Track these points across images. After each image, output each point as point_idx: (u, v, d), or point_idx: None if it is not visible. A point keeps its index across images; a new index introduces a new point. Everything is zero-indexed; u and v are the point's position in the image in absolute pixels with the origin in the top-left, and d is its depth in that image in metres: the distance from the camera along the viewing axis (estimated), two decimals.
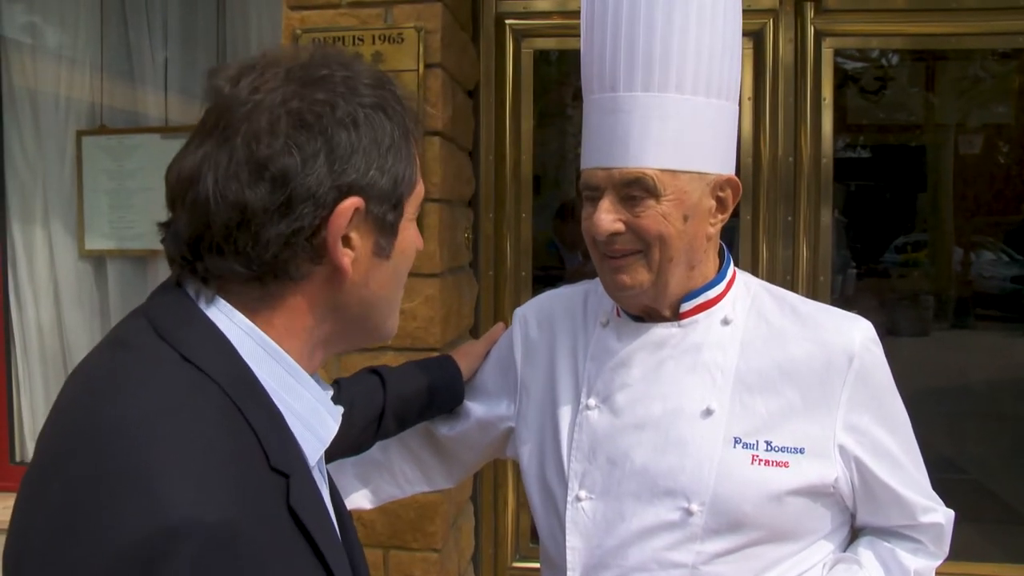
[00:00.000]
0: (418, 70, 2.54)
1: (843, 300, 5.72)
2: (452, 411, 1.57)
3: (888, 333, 6.30)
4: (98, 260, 3.47)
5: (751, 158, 3.01)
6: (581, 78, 1.36)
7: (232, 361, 0.84)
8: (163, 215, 0.90)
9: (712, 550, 1.25)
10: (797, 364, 1.29)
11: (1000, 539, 3.59)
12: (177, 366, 0.80)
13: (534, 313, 1.54)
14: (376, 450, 1.55)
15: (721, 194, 1.31)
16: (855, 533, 1.41)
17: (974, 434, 5.13)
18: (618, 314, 1.39)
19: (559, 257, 4.29)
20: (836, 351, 1.28)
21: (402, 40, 2.54)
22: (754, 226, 3.04)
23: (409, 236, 0.96)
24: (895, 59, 5.90)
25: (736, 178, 1.32)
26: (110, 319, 3.44)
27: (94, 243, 3.39)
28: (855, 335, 1.29)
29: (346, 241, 0.87)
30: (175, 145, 0.88)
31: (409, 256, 0.97)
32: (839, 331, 1.30)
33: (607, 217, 1.26)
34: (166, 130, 3.32)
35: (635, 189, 1.24)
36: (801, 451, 1.26)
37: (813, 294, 2.98)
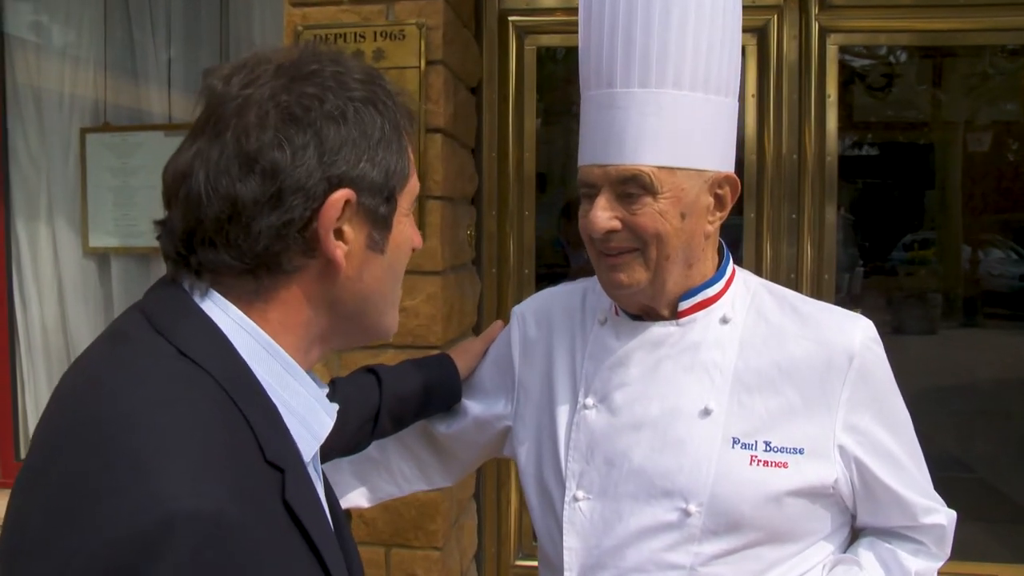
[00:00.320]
0: (419, 67, 2.53)
1: (850, 298, 5.70)
2: (450, 409, 1.57)
3: (895, 331, 6.27)
4: (102, 257, 3.48)
5: (755, 155, 2.99)
6: (579, 74, 1.35)
7: (228, 356, 0.84)
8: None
9: (710, 551, 1.24)
10: (797, 363, 1.28)
11: (1008, 539, 3.57)
12: (173, 360, 0.81)
13: (532, 311, 1.53)
14: (374, 448, 1.54)
15: (719, 191, 1.29)
16: (856, 534, 1.39)
17: (982, 433, 5.10)
18: (616, 313, 1.38)
19: (564, 255, 4.29)
20: (836, 350, 1.27)
21: (403, 37, 2.53)
22: (758, 224, 3.02)
23: (404, 230, 0.96)
24: (903, 56, 5.86)
25: (735, 175, 1.31)
26: (114, 316, 3.39)
27: (98, 240, 3.40)
28: (856, 334, 1.28)
29: (339, 234, 0.87)
30: (178, 143, 0.89)
31: (404, 251, 0.97)
32: (839, 330, 1.29)
33: (603, 215, 1.25)
34: (169, 127, 3.33)
35: (631, 186, 1.23)
36: (800, 451, 1.25)
37: (817, 293, 2.96)
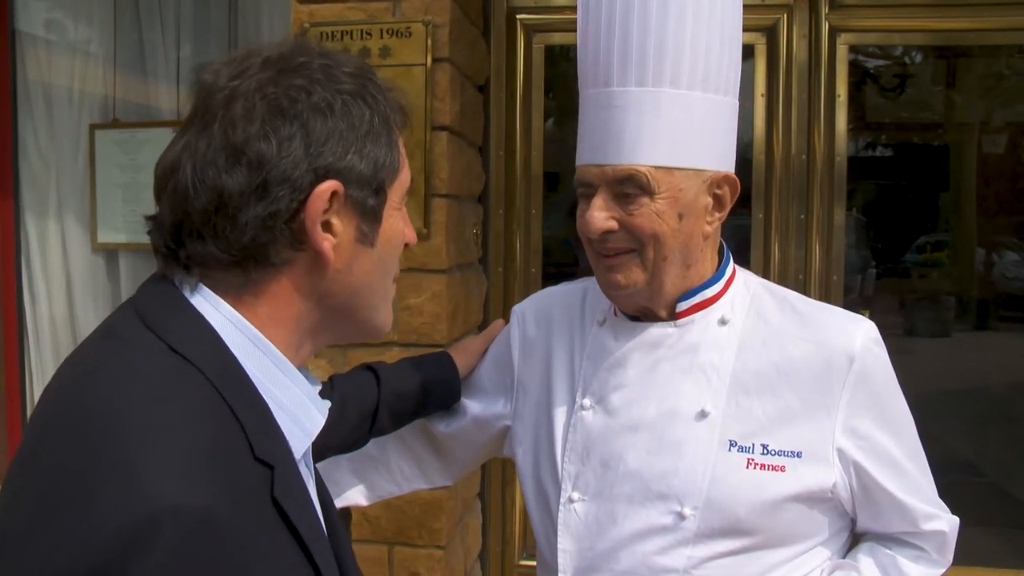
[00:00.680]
0: (426, 64, 2.53)
1: (862, 300, 5.67)
2: (450, 408, 1.56)
3: (908, 334, 6.24)
4: (110, 253, 3.49)
5: (764, 155, 2.97)
6: (577, 72, 1.34)
7: (218, 351, 0.84)
8: None
9: (704, 555, 1.22)
10: (796, 365, 1.26)
11: (1020, 544, 3.54)
12: (163, 356, 0.81)
13: (532, 310, 1.52)
14: (373, 446, 1.54)
15: (718, 191, 1.28)
16: (856, 539, 1.38)
17: (995, 437, 5.07)
18: (615, 313, 1.37)
19: (574, 254, 4.28)
20: (836, 352, 1.25)
21: (410, 34, 2.53)
22: (766, 225, 3.00)
23: (394, 224, 0.95)
24: (918, 57, 5.82)
25: (734, 175, 1.29)
26: None
27: (106, 236, 3.41)
28: (856, 335, 1.26)
29: (327, 227, 0.87)
30: None
31: (395, 245, 0.96)
32: (840, 331, 1.27)
33: (600, 215, 1.24)
34: (178, 124, 3.29)
35: (628, 186, 1.22)
36: (798, 455, 1.24)
37: (826, 294, 2.94)
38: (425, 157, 2.56)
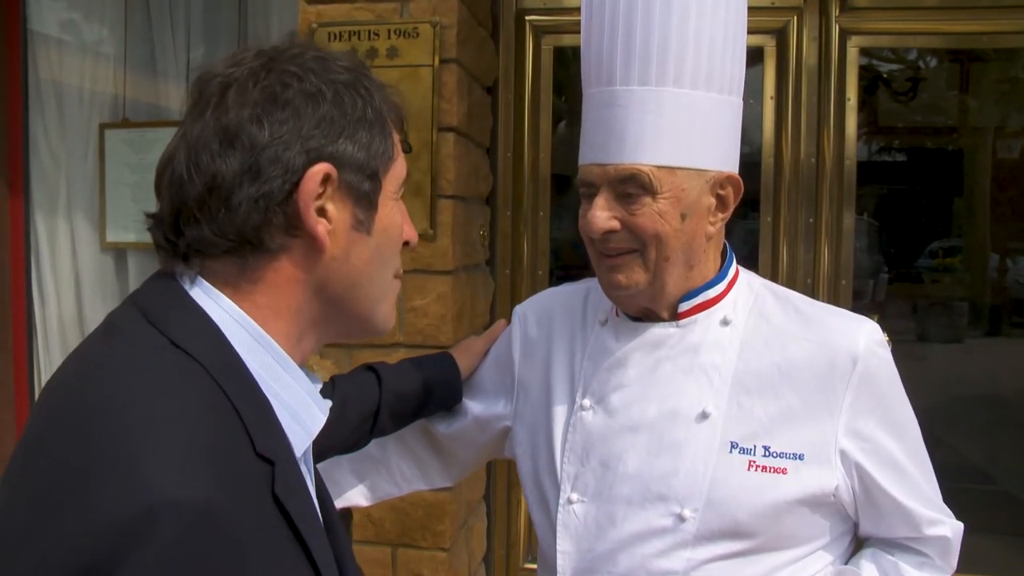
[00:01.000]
0: (433, 65, 2.52)
1: (874, 305, 5.64)
2: (451, 409, 1.55)
3: (920, 339, 6.20)
4: (119, 253, 3.51)
5: (773, 159, 2.96)
6: (581, 71, 1.34)
7: (220, 347, 0.84)
8: None
9: (703, 557, 1.21)
10: (798, 366, 1.25)
11: None
12: (165, 351, 0.81)
13: (534, 311, 1.51)
14: (374, 447, 1.53)
15: (721, 192, 1.27)
16: (860, 544, 1.36)
17: (1007, 444, 5.02)
18: (617, 314, 1.37)
19: (583, 257, 4.26)
20: (839, 353, 1.24)
21: (417, 35, 2.53)
22: (775, 228, 2.99)
23: (391, 214, 0.95)
24: (932, 61, 5.79)
25: (737, 176, 1.28)
26: None
27: (116, 236, 3.43)
28: (860, 337, 1.25)
29: (322, 212, 0.87)
30: None
31: (393, 236, 0.96)
32: (843, 332, 1.26)
33: (602, 215, 1.23)
34: None
35: (630, 186, 1.21)
36: (800, 457, 1.22)
37: (835, 299, 2.92)
38: (432, 158, 2.55)
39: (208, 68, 0.89)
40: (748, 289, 1.34)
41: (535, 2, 3.07)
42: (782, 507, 1.21)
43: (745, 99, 1.33)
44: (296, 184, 0.85)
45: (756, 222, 3.00)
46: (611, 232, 1.23)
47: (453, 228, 2.59)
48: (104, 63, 3.46)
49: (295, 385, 0.89)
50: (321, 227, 0.87)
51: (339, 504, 1.54)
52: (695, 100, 1.22)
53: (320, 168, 0.86)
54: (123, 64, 3.42)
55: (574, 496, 1.30)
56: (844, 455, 1.23)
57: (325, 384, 1.37)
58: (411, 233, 1.00)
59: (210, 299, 0.86)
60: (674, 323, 1.30)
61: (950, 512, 1.33)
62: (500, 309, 3.11)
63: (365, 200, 0.91)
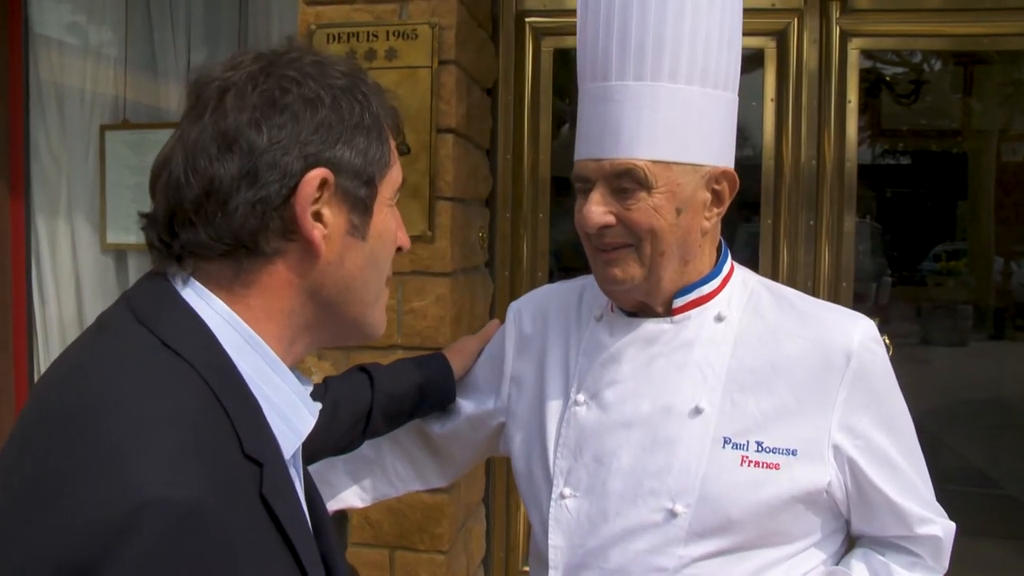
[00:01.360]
0: (432, 66, 2.52)
1: (877, 308, 5.63)
2: (445, 409, 1.55)
3: (924, 342, 6.18)
4: (120, 254, 3.51)
5: (773, 161, 2.95)
6: (576, 67, 1.33)
7: (210, 347, 0.84)
8: None
9: (695, 554, 1.20)
10: (792, 362, 1.24)
11: None
12: (155, 351, 0.81)
13: (529, 307, 1.51)
14: (368, 448, 1.53)
15: (717, 187, 1.26)
16: (852, 543, 1.35)
17: (1011, 447, 5.01)
18: (612, 309, 1.36)
19: (585, 259, 4.26)
20: (834, 349, 1.23)
21: (416, 36, 2.52)
22: (775, 230, 2.98)
23: (386, 220, 0.95)
24: (936, 64, 5.78)
25: (733, 171, 1.28)
26: None
27: (116, 237, 3.43)
28: (854, 333, 1.24)
29: (318, 217, 0.88)
30: None
31: (387, 242, 0.96)
32: (838, 329, 1.25)
33: (597, 210, 1.23)
34: None
35: (626, 181, 1.21)
36: (793, 453, 1.22)
37: (835, 301, 2.90)
38: (430, 159, 2.55)
39: (205, 71, 0.90)
40: (743, 285, 1.34)
41: (535, 3, 3.07)
42: (775, 503, 1.20)
43: (746, 100, 1.33)
44: (293, 189, 0.85)
45: (757, 225, 2.99)
46: (607, 227, 1.23)
47: (452, 230, 2.58)
48: (105, 65, 3.47)
49: (285, 387, 0.89)
50: (317, 232, 0.87)
51: (334, 506, 1.54)
52: (690, 95, 1.22)
53: (317, 173, 0.86)
54: (124, 66, 3.43)
55: (567, 491, 1.30)
56: (837, 451, 1.22)
57: (317, 386, 1.37)
58: (404, 239, 1.00)
59: (202, 300, 0.86)
60: (668, 319, 1.30)
61: (943, 512, 1.32)
62: (499, 311, 3.10)
63: (361, 206, 0.91)
